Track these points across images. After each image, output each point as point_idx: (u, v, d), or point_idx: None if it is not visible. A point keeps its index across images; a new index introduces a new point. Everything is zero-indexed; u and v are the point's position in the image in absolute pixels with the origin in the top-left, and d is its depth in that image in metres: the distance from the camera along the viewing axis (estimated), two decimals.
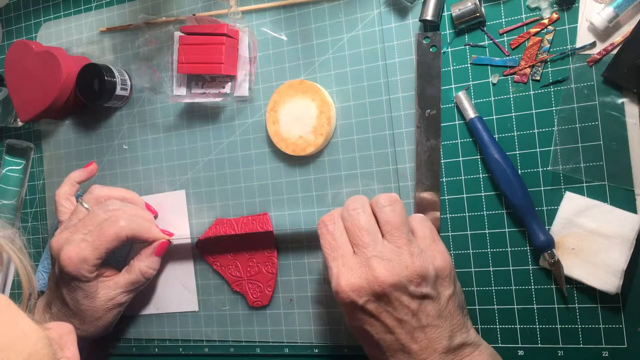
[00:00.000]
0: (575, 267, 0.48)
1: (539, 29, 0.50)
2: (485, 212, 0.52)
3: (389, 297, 0.44)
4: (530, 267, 0.50)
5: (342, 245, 0.47)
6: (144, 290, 0.63)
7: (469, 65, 0.53)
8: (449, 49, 0.53)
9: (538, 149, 0.50)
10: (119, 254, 0.65)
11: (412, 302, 0.44)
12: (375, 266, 0.44)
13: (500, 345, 0.51)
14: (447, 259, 0.47)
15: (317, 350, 0.58)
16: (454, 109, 0.53)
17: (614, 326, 0.48)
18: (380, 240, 0.46)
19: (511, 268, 0.51)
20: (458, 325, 0.46)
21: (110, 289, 0.59)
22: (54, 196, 0.62)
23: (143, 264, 0.60)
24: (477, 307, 0.52)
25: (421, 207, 0.54)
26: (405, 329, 0.44)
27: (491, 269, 0.52)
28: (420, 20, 0.53)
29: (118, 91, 0.65)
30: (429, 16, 0.52)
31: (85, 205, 0.59)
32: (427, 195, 0.53)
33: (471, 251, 0.52)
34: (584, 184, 0.49)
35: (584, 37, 0.49)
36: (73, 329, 0.43)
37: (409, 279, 0.44)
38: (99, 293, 0.58)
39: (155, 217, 0.64)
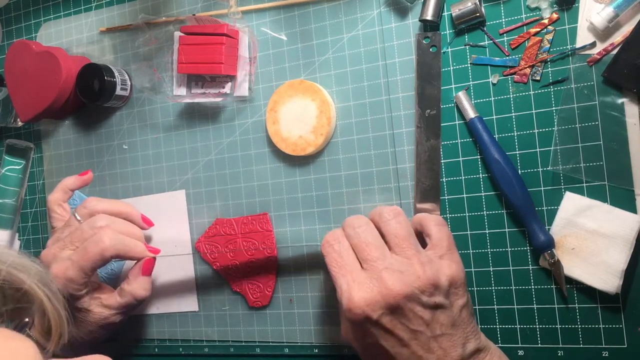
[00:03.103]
0: (575, 267, 0.48)
1: (539, 29, 0.50)
2: (485, 212, 0.52)
3: (402, 308, 0.43)
4: (530, 267, 0.51)
5: (349, 262, 0.46)
6: None
7: (469, 65, 0.53)
8: (449, 49, 0.53)
9: (538, 149, 0.50)
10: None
11: (425, 312, 0.44)
12: (387, 278, 0.44)
13: (500, 345, 0.51)
14: (461, 268, 0.46)
15: (317, 350, 0.58)
16: (454, 109, 0.53)
17: (614, 326, 0.48)
18: (388, 254, 0.46)
19: (511, 268, 0.51)
20: (472, 332, 0.45)
21: (105, 309, 0.58)
22: (46, 202, 0.61)
23: (133, 286, 0.58)
24: (477, 307, 0.52)
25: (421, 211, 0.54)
26: (420, 340, 0.44)
27: (491, 269, 0.52)
28: (420, 20, 0.53)
29: (118, 91, 0.65)
30: (429, 16, 0.52)
31: (78, 218, 0.58)
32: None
33: (471, 251, 0.52)
34: (584, 184, 0.49)
35: (584, 37, 0.49)
36: None
37: (422, 289, 0.44)
38: (93, 311, 0.57)
39: (145, 229, 0.63)
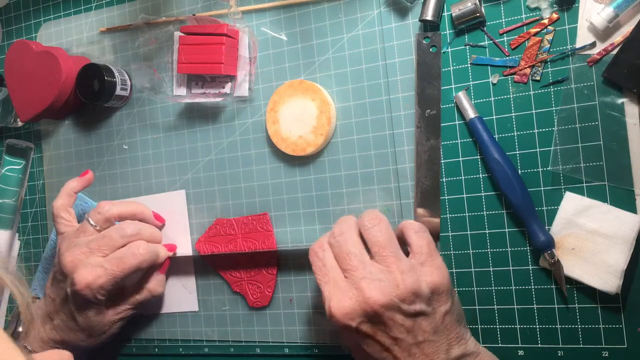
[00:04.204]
0: (575, 267, 0.48)
1: (539, 29, 0.50)
2: (485, 212, 0.52)
3: (381, 317, 0.44)
4: (530, 267, 0.51)
5: (331, 270, 0.47)
6: None
7: (469, 65, 0.53)
8: (449, 49, 0.53)
9: (538, 149, 0.50)
10: None
11: (406, 320, 0.44)
12: (365, 287, 0.44)
13: (500, 345, 0.51)
14: (444, 274, 0.46)
15: (317, 350, 0.58)
16: (454, 109, 0.53)
17: (614, 326, 0.48)
18: (368, 262, 0.46)
19: (511, 268, 0.51)
20: (456, 338, 0.45)
21: (119, 306, 0.60)
22: (51, 208, 0.62)
23: (151, 284, 0.61)
24: (477, 307, 0.52)
25: (421, 210, 0.54)
26: (401, 346, 0.44)
27: (491, 269, 0.52)
28: (420, 20, 0.53)
29: (118, 91, 0.65)
30: (429, 16, 0.52)
31: (93, 223, 0.59)
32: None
33: (471, 251, 0.52)
34: (584, 184, 0.49)
35: (584, 37, 0.49)
36: (71, 357, 0.43)
37: (401, 298, 0.44)
38: (108, 308, 0.59)
39: (163, 225, 0.65)
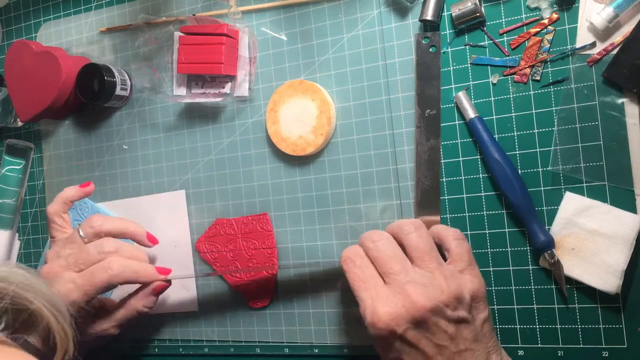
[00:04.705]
0: (575, 267, 0.48)
1: (539, 29, 0.50)
2: (485, 212, 0.52)
3: (427, 322, 0.43)
4: (530, 267, 0.51)
5: (371, 277, 0.46)
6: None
7: (469, 65, 0.53)
8: (449, 49, 0.53)
9: (538, 149, 0.50)
10: None
11: (450, 327, 0.43)
12: (412, 292, 0.43)
13: (500, 345, 0.51)
14: (482, 283, 0.46)
15: (317, 350, 0.58)
16: (454, 109, 0.53)
17: (614, 326, 0.48)
18: (410, 267, 0.45)
19: (511, 268, 0.51)
20: (494, 347, 0.45)
21: (104, 322, 0.58)
22: (45, 213, 0.60)
23: (141, 303, 0.58)
24: None
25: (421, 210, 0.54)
26: (444, 355, 0.43)
27: (491, 269, 0.52)
28: (420, 20, 0.53)
29: (118, 91, 0.65)
30: (429, 16, 0.52)
31: (82, 235, 0.57)
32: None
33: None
34: (584, 184, 0.49)
35: (584, 37, 0.49)
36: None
37: (446, 303, 0.43)
38: (92, 322, 0.57)
39: (150, 247, 0.61)
